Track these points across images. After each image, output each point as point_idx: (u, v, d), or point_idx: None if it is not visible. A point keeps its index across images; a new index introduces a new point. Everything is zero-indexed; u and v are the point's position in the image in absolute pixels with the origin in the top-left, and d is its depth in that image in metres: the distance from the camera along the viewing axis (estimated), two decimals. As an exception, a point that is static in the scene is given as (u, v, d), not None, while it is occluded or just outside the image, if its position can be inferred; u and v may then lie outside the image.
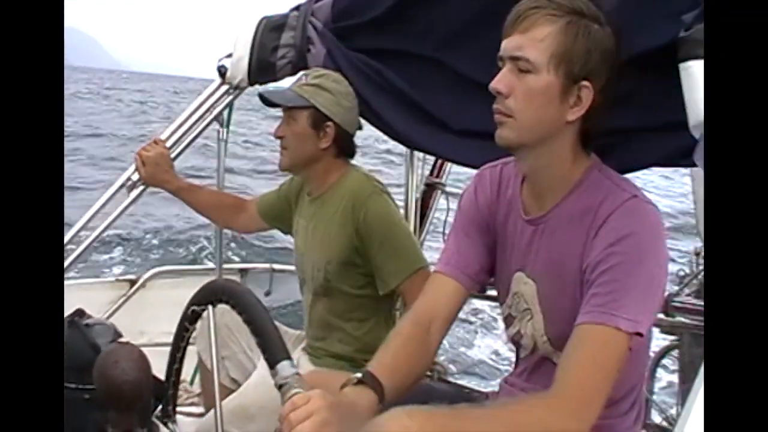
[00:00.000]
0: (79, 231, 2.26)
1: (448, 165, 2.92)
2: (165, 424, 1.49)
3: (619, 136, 1.64)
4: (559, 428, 1.22)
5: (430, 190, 2.93)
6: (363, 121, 2.18)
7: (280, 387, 1.22)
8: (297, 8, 2.19)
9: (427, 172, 2.96)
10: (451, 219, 1.90)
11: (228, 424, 1.91)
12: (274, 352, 1.25)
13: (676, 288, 2.43)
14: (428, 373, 2.40)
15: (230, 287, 1.41)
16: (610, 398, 1.30)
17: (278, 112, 2.21)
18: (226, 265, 3.22)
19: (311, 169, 2.21)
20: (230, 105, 2.35)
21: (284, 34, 2.17)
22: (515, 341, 1.61)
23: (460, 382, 3.13)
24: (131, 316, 3.00)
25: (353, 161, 2.28)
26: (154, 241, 9.31)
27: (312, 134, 2.14)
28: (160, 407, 1.55)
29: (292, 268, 2.48)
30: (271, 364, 1.24)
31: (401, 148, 2.49)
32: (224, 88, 2.29)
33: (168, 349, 1.55)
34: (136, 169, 2.32)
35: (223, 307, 1.42)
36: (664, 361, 2.76)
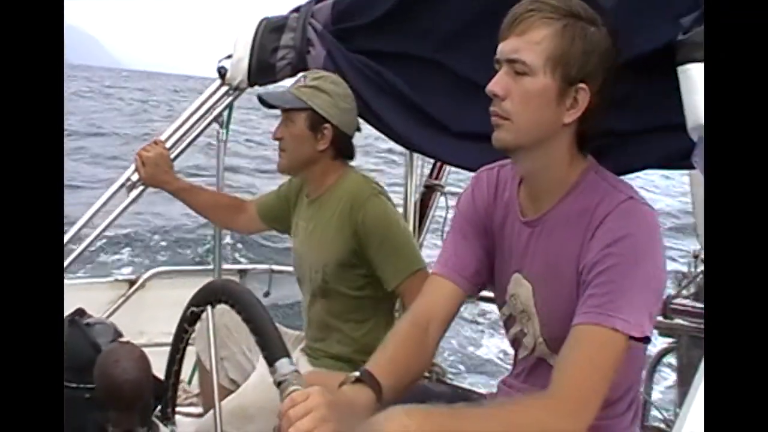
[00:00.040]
0: (79, 231, 2.27)
1: (447, 167, 2.93)
2: (165, 425, 1.49)
3: (616, 138, 1.65)
4: (557, 428, 1.23)
5: (429, 191, 2.93)
6: (363, 122, 2.19)
7: (278, 384, 1.22)
8: (297, 10, 2.19)
9: (426, 174, 2.97)
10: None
11: (227, 424, 1.91)
12: (272, 350, 1.26)
13: (675, 290, 2.43)
14: (426, 375, 2.40)
15: (229, 287, 1.42)
16: (607, 399, 1.30)
17: (279, 111, 2.21)
18: (225, 266, 3.23)
19: (309, 170, 2.22)
20: (230, 106, 2.35)
21: (284, 35, 2.18)
22: (514, 343, 1.62)
23: (458, 383, 3.13)
24: (130, 316, 3.00)
25: (355, 161, 2.28)
26: (162, 243, 9.32)
27: (309, 136, 2.14)
28: (159, 408, 1.55)
29: (291, 269, 2.48)
30: (270, 362, 1.25)
31: (402, 148, 2.49)
32: (224, 89, 2.29)
33: (167, 349, 1.56)
34: (136, 170, 2.32)
35: (222, 308, 1.42)
36: (662, 363, 2.77)
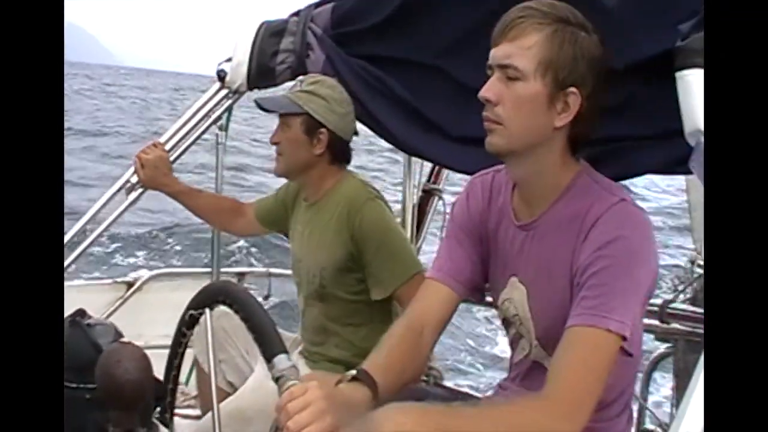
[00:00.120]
0: (78, 232, 2.27)
1: (446, 171, 2.94)
2: (165, 425, 1.49)
3: (615, 143, 1.66)
4: (551, 430, 1.24)
5: (427, 196, 2.94)
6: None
7: (277, 380, 1.24)
8: (297, 14, 2.20)
9: (425, 178, 2.97)
10: None
11: (225, 427, 1.91)
12: (270, 346, 1.27)
13: (671, 295, 2.44)
14: (424, 378, 2.41)
15: (226, 287, 1.43)
16: (601, 401, 1.31)
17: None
18: (223, 269, 3.23)
19: (306, 175, 2.22)
20: (229, 109, 2.36)
21: (284, 39, 2.18)
22: (512, 345, 1.63)
23: (456, 387, 3.13)
24: (128, 318, 3.00)
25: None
26: (177, 247, 9.32)
27: (305, 141, 2.15)
28: (158, 410, 1.55)
29: (289, 272, 2.49)
30: (268, 358, 1.26)
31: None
32: (224, 92, 2.30)
33: (165, 351, 1.56)
34: (135, 172, 2.33)
35: (220, 311, 1.43)
36: (659, 368, 2.77)
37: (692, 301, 2.45)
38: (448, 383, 2.80)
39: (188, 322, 1.50)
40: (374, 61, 2.07)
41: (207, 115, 2.34)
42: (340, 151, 2.19)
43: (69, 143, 16.85)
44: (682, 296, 2.44)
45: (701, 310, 2.29)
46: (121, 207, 2.36)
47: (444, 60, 1.94)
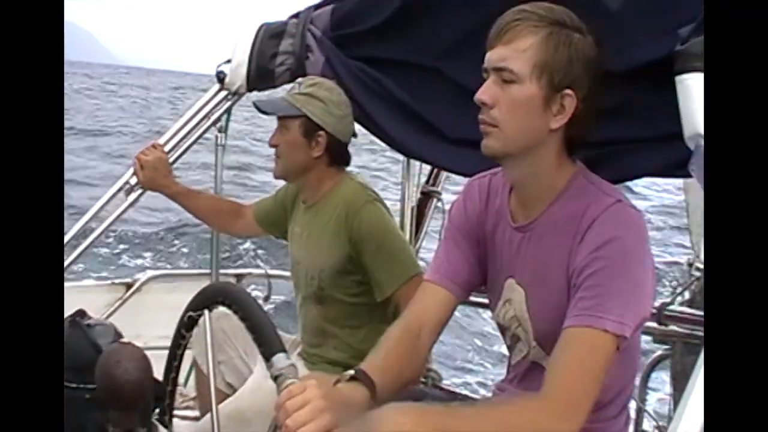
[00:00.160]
0: (77, 233, 2.28)
1: (444, 174, 2.94)
2: (164, 426, 1.50)
3: (613, 146, 1.66)
4: (549, 429, 1.24)
5: (426, 198, 2.94)
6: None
7: (275, 378, 1.24)
8: (296, 15, 2.20)
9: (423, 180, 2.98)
10: None
11: (223, 428, 1.92)
12: (269, 345, 1.28)
13: (669, 297, 2.44)
14: (422, 380, 2.41)
15: (224, 288, 1.44)
16: (599, 402, 1.32)
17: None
18: (221, 271, 3.23)
19: (305, 177, 2.23)
20: (228, 111, 2.36)
21: (283, 41, 2.18)
22: (509, 347, 1.63)
23: (454, 389, 3.14)
24: (127, 319, 2.99)
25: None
26: (184, 249, 9.33)
27: (304, 143, 2.15)
28: (156, 411, 1.55)
29: (288, 273, 2.49)
30: (267, 357, 1.26)
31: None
32: (223, 93, 2.30)
33: (163, 352, 1.56)
34: (135, 173, 2.33)
35: (218, 313, 1.43)
36: (657, 370, 2.77)
37: (690, 304, 2.45)
38: (450, 385, 2.81)
39: (187, 324, 1.50)
40: (373, 63, 2.07)
41: (206, 117, 2.34)
42: (338, 154, 2.20)
43: (73, 143, 16.96)
44: (679, 298, 2.45)
45: (699, 313, 2.29)
46: (120, 208, 2.36)
47: (443, 62, 1.94)
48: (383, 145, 2.14)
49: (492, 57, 1.41)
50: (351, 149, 2.25)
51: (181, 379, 2.74)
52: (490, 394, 1.75)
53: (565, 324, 1.33)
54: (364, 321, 2.19)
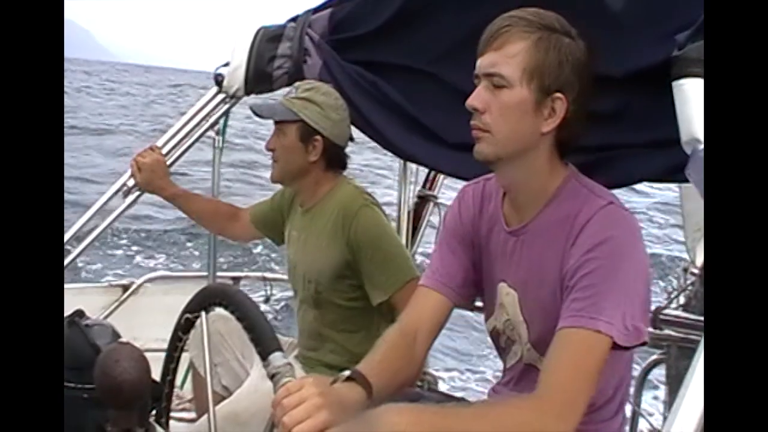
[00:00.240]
0: (76, 233, 2.28)
1: (441, 178, 2.95)
2: (162, 426, 1.50)
3: (611, 151, 1.67)
4: (544, 430, 1.25)
5: (422, 202, 2.95)
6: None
7: (272, 377, 1.25)
8: (294, 19, 2.21)
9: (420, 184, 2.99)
10: None
11: (219, 430, 1.92)
12: (266, 344, 1.28)
13: (664, 301, 2.45)
14: (418, 384, 2.41)
15: (221, 289, 1.44)
16: (594, 403, 1.33)
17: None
18: (219, 273, 3.24)
19: (301, 181, 2.23)
20: (226, 113, 2.37)
21: (281, 44, 2.19)
22: (503, 351, 1.64)
23: (449, 392, 3.14)
24: (124, 321, 2.99)
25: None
26: (196, 252, 9.34)
27: (300, 147, 2.16)
28: (153, 413, 1.56)
29: (285, 276, 2.49)
30: (264, 356, 1.27)
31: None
32: (221, 96, 2.31)
33: (160, 354, 1.56)
34: (132, 175, 2.34)
35: (215, 315, 1.43)
36: (652, 375, 2.78)
37: (685, 308, 2.46)
38: (450, 389, 2.81)
39: (184, 326, 1.51)
40: (371, 67, 2.08)
41: (204, 119, 2.35)
42: (335, 158, 2.20)
43: (78, 141, 16.93)
44: (675, 302, 2.46)
45: (694, 317, 2.31)
46: (117, 210, 2.37)
47: (440, 66, 1.95)
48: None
49: (483, 63, 1.42)
50: (353, 147, 2.26)
51: (178, 381, 2.75)
52: (485, 397, 1.75)
53: (559, 325, 1.34)
54: (361, 325, 2.19)
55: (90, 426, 1.34)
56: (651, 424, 2.53)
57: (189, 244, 9.50)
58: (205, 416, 1.82)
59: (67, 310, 1.53)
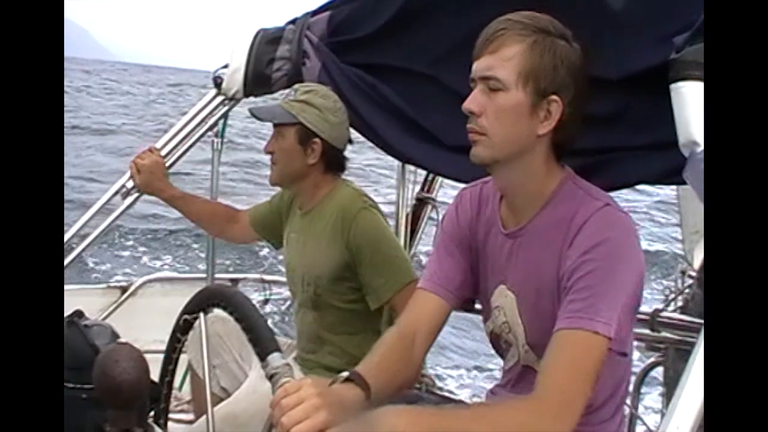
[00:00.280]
0: (75, 234, 2.28)
1: (439, 180, 2.95)
2: (160, 426, 1.50)
3: (609, 153, 1.68)
4: (542, 430, 1.25)
5: (421, 204, 2.95)
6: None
7: (271, 377, 1.25)
8: (293, 21, 2.21)
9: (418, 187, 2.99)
10: None
11: (218, 431, 1.92)
12: (264, 344, 1.29)
13: (662, 304, 2.46)
14: (417, 386, 2.41)
15: (220, 290, 1.44)
16: (591, 404, 1.33)
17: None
18: (217, 275, 3.24)
19: (300, 184, 2.24)
20: (225, 115, 2.37)
21: (280, 47, 2.19)
22: (501, 354, 1.64)
23: (447, 395, 3.14)
24: (123, 322, 2.99)
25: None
26: (201, 254, 9.32)
27: (299, 150, 2.16)
28: (152, 414, 1.56)
29: (283, 279, 2.49)
30: (262, 356, 1.27)
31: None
32: (220, 98, 2.31)
33: (159, 356, 1.56)
34: (131, 177, 2.34)
35: (214, 316, 1.44)
36: (650, 376, 2.78)
37: (683, 310, 2.47)
38: (451, 393, 2.82)
39: (183, 327, 1.51)
40: (370, 70, 2.08)
41: (203, 121, 2.35)
42: (334, 160, 2.20)
43: (80, 140, 16.92)
44: (672, 305, 2.46)
45: (692, 319, 2.31)
46: (116, 212, 2.37)
47: (439, 69, 1.95)
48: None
49: (478, 66, 1.43)
50: (355, 147, 2.27)
51: (176, 382, 2.75)
52: (483, 399, 1.76)
53: (557, 326, 1.35)
54: (360, 327, 2.20)
55: (89, 426, 1.34)
56: (648, 427, 2.53)
57: (195, 246, 9.50)
58: (204, 417, 1.81)
59: (66, 311, 1.54)
